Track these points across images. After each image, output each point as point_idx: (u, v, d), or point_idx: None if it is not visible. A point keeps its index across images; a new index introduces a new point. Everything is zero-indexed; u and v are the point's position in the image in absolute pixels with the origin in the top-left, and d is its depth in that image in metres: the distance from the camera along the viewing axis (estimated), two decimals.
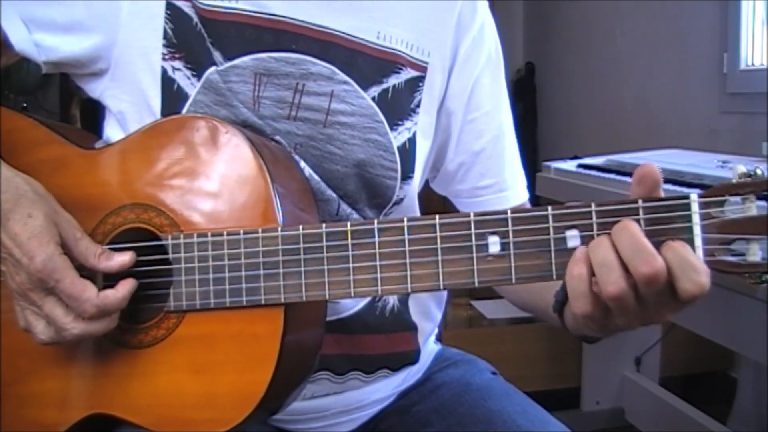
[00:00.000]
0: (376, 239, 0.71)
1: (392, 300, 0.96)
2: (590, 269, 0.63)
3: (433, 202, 1.03)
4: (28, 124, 0.89)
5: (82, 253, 0.78)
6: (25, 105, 3.66)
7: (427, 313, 1.02)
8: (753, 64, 2.37)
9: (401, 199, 0.94)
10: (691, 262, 0.61)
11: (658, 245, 0.62)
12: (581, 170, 2.04)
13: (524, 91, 4.01)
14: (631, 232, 0.62)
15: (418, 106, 0.94)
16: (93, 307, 0.75)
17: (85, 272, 0.77)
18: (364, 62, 0.90)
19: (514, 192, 1.02)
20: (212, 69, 0.87)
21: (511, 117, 1.04)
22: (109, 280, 0.79)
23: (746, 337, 1.55)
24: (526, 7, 4.28)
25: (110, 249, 0.80)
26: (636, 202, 0.64)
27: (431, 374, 1.04)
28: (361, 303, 0.94)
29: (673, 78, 2.77)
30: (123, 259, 0.78)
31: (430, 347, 1.06)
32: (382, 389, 0.99)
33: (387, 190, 0.92)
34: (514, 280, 0.67)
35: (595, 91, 3.44)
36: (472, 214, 0.68)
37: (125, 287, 0.77)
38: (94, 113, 1.01)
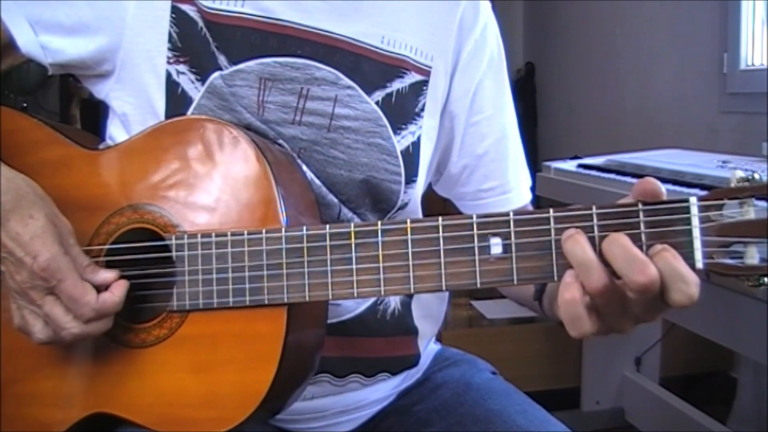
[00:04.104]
0: (380, 240, 0.72)
1: (393, 303, 0.97)
2: (582, 291, 0.63)
3: (433, 203, 1.03)
4: (31, 125, 0.89)
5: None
6: (25, 105, 3.67)
7: (430, 316, 1.02)
8: (753, 64, 2.37)
9: (405, 204, 0.94)
10: (681, 273, 0.61)
11: (653, 247, 0.63)
12: (581, 170, 2.04)
13: (524, 91, 4.01)
14: (622, 243, 0.62)
15: (422, 110, 0.94)
16: (92, 311, 0.75)
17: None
18: (369, 67, 0.91)
19: (518, 193, 1.03)
20: (217, 73, 0.87)
21: (515, 118, 1.04)
22: None
23: (746, 337, 1.55)
24: (526, 7, 4.28)
25: (109, 249, 0.80)
26: (636, 205, 0.64)
27: (431, 374, 1.05)
28: (363, 306, 0.94)
29: (673, 78, 2.77)
30: (106, 276, 0.78)
31: (429, 347, 1.06)
32: (381, 389, 0.99)
33: (391, 195, 0.92)
34: (515, 281, 0.67)
35: (595, 91, 3.44)
36: (474, 216, 0.69)
37: (120, 289, 0.78)
38: (94, 113, 1.01)
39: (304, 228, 0.74)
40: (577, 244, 0.64)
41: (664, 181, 1.21)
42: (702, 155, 1.96)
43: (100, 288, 0.78)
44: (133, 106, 0.89)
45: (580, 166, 2.08)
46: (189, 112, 0.87)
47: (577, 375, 2.58)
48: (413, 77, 0.93)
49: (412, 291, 0.71)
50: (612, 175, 1.87)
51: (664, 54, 2.83)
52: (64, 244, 0.77)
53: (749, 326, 1.50)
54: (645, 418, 2.43)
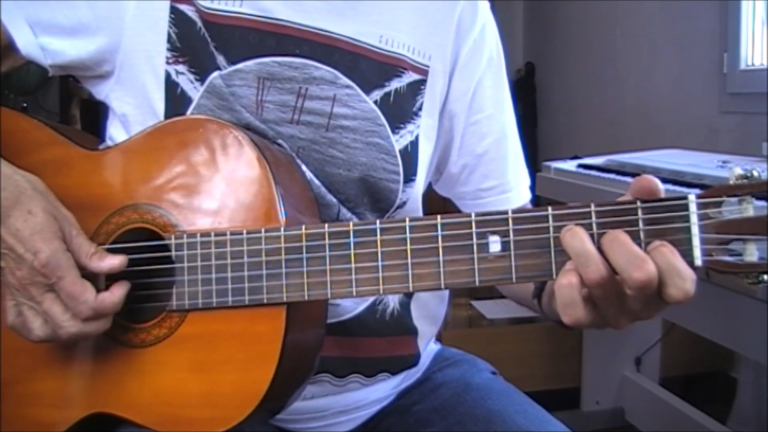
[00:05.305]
0: (378, 239, 0.72)
1: (392, 304, 0.97)
2: (580, 280, 0.64)
3: (433, 202, 1.03)
4: (32, 125, 0.89)
5: (75, 251, 0.77)
6: (25, 105, 3.67)
7: (429, 316, 1.03)
8: (753, 64, 2.37)
9: (404, 203, 0.94)
10: (678, 268, 0.61)
11: (651, 243, 0.63)
12: (581, 170, 2.04)
13: (524, 91, 4.01)
14: (622, 240, 0.63)
15: (420, 109, 0.94)
16: (89, 310, 0.75)
17: (87, 272, 0.77)
18: (367, 66, 0.91)
19: (517, 193, 1.03)
20: (216, 73, 0.87)
21: (514, 118, 1.04)
22: (110, 279, 0.79)
23: (746, 337, 1.55)
24: (526, 7, 4.28)
25: (109, 249, 0.80)
26: (635, 202, 0.64)
27: (431, 374, 1.05)
28: (362, 306, 0.94)
29: (673, 78, 2.77)
30: (113, 262, 0.78)
31: (429, 347, 1.06)
32: (381, 389, 0.99)
33: (390, 194, 0.92)
34: (514, 279, 0.67)
35: (595, 91, 3.44)
36: (473, 214, 0.69)
37: (120, 290, 0.78)
38: (94, 113, 1.01)
39: (303, 227, 0.74)
40: (576, 236, 0.64)
41: (664, 181, 1.21)
42: (702, 155, 1.96)
43: (102, 284, 0.77)
44: (132, 106, 0.90)
45: (580, 166, 2.08)
46: (188, 112, 0.87)
47: (577, 375, 2.58)
48: (411, 76, 0.94)
49: (410, 289, 0.71)
50: (612, 175, 1.87)
51: (664, 54, 2.83)
52: (66, 237, 0.77)
53: (749, 326, 1.50)
54: (645, 418, 2.43)
